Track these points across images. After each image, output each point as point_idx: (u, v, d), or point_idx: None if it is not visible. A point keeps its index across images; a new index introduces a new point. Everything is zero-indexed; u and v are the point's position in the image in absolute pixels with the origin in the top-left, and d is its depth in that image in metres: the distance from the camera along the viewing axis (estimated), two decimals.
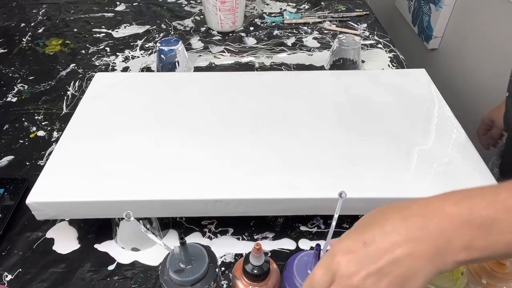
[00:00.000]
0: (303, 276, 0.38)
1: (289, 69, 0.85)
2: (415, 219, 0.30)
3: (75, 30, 0.99)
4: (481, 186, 0.31)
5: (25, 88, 0.80)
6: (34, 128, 0.71)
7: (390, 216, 0.31)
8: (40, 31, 0.99)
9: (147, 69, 0.85)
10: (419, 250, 0.29)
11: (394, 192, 0.47)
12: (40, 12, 1.07)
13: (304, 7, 1.09)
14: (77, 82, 0.82)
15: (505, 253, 0.29)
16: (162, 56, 0.78)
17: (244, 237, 0.54)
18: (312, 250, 0.39)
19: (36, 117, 0.73)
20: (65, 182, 0.48)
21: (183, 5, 1.11)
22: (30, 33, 0.98)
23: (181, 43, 0.78)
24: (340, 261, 0.30)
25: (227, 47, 0.93)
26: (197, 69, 0.85)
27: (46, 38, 0.96)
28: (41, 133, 0.70)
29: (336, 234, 0.54)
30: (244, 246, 0.53)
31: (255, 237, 0.54)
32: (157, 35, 0.97)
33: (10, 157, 0.65)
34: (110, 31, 0.98)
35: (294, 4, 1.10)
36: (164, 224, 0.54)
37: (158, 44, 0.78)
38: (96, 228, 0.54)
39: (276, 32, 0.98)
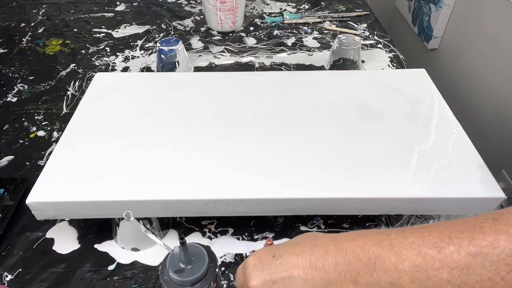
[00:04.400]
0: None
1: (289, 69, 0.85)
2: (319, 249, 0.32)
3: (75, 30, 0.99)
4: (383, 230, 0.33)
5: (25, 88, 0.80)
6: (34, 128, 0.71)
7: (304, 241, 0.34)
8: (40, 31, 0.99)
9: (147, 69, 0.85)
10: (314, 277, 0.32)
11: (394, 192, 0.47)
12: (40, 12, 1.07)
13: (304, 7, 1.09)
14: (77, 82, 0.82)
15: None
16: (162, 56, 0.78)
17: (244, 237, 0.54)
18: None
19: (36, 117, 0.73)
20: (65, 182, 0.48)
21: (183, 5, 1.11)
22: (30, 33, 0.98)
23: (181, 43, 0.78)
24: (250, 264, 0.35)
25: (227, 47, 0.93)
26: (197, 69, 0.85)
27: (46, 38, 0.96)
28: (41, 133, 0.70)
29: None
30: (244, 246, 0.53)
31: (255, 237, 0.54)
32: (157, 35, 0.97)
33: (10, 157, 0.65)
34: (110, 31, 0.98)
35: (294, 4, 1.10)
36: (164, 224, 0.54)
37: (158, 44, 0.78)
38: (96, 228, 0.54)
39: (276, 32, 0.98)
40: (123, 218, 0.49)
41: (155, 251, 0.52)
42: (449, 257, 0.28)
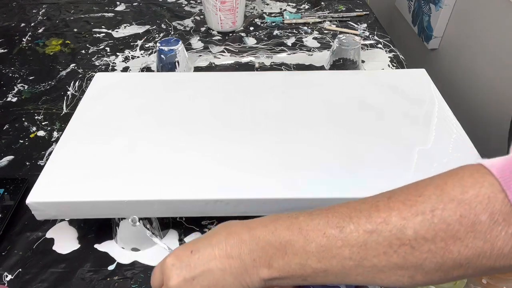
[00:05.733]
0: None
1: (289, 69, 0.85)
2: (234, 238, 0.33)
3: (75, 30, 0.99)
4: (292, 212, 0.34)
5: (25, 88, 0.80)
6: (34, 128, 0.71)
7: (220, 231, 0.35)
8: (40, 31, 0.99)
9: (147, 69, 0.85)
10: (231, 266, 0.32)
11: None
12: (40, 12, 1.07)
13: (304, 7, 1.09)
14: (77, 82, 0.82)
15: (300, 274, 0.31)
16: (162, 56, 0.78)
17: None
18: None
19: (36, 117, 0.73)
20: (65, 182, 0.48)
21: (183, 5, 1.11)
22: (30, 33, 0.98)
23: (181, 43, 0.78)
24: (168, 264, 0.34)
25: (227, 47, 0.93)
26: (197, 69, 0.85)
27: (46, 38, 0.96)
28: (41, 133, 0.70)
29: None
30: None
31: None
32: (157, 35, 0.97)
33: (10, 157, 0.65)
34: (110, 31, 0.98)
35: (294, 4, 1.10)
36: (164, 224, 0.54)
37: (158, 44, 0.78)
38: (96, 228, 0.54)
39: (276, 32, 0.98)
40: (123, 218, 0.49)
41: (155, 251, 0.52)
42: (349, 236, 0.30)
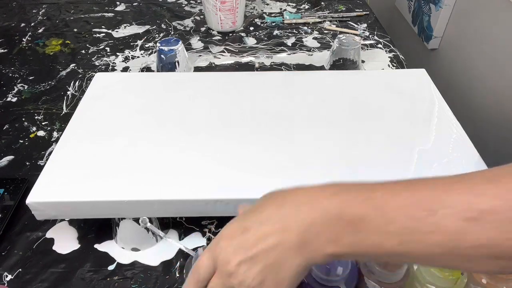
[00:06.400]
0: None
1: (289, 69, 0.85)
2: (289, 208, 0.30)
3: (75, 30, 0.99)
4: (365, 182, 0.30)
5: (25, 88, 0.80)
6: (34, 128, 0.71)
7: (269, 204, 0.31)
8: (40, 31, 0.99)
9: (147, 69, 0.85)
10: (289, 240, 0.29)
11: None
12: (40, 12, 1.07)
13: (304, 7, 1.09)
14: (77, 82, 0.82)
15: (374, 253, 0.28)
16: (162, 56, 0.78)
17: None
18: None
19: (36, 117, 0.73)
20: (65, 182, 0.48)
21: (183, 5, 1.10)
22: (30, 33, 0.98)
23: (181, 43, 0.78)
24: (221, 246, 0.31)
25: (227, 47, 0.93)
26: (197, 69, 0.85)
27: (46, 38, 0.96)
28: (41, 133, 0.70)
29: None
30: None
31: None
32: (157, 35, 0.97)
33: (10, 157, 0.65)
34: (110, 31, 0.98)
35: (294, 4, 1.10)
36: (164, 224, 0.54)
37: (158, 44, 0.78)
38: (96, 228, 0.54)
39: (276, 32, 0.98)
40: (124, 218, 0.49)
41: (155, 251, 0.52)
42: (441, 221, 0.26)
